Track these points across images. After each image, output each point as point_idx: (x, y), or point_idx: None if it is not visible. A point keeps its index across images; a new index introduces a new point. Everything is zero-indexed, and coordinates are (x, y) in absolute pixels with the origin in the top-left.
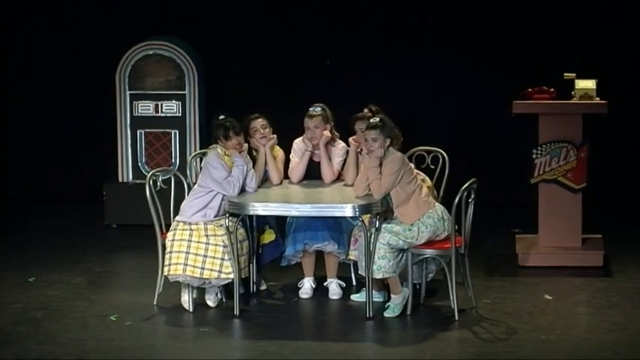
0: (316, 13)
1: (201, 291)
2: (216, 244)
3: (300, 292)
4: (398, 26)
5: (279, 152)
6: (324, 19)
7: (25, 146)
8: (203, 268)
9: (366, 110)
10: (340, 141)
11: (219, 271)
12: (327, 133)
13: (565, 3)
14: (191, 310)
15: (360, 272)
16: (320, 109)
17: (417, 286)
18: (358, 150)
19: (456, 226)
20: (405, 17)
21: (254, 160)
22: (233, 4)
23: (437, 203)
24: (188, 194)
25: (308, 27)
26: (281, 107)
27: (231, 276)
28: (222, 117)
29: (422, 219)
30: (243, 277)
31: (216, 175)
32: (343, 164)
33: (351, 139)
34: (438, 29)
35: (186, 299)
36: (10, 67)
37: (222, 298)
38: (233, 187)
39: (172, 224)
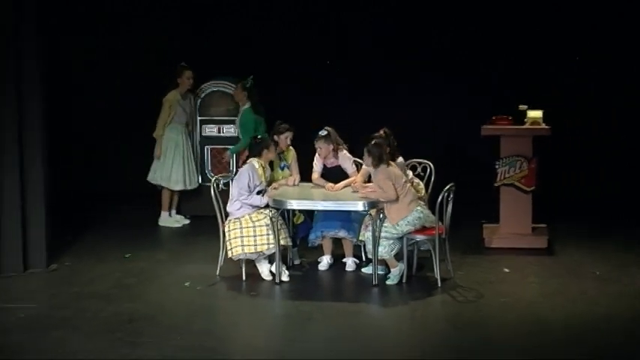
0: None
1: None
2: (260, 225)
3: (319, 265)
4: (388, 58)
5: (291, 152)
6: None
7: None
8: (255, 245)
9: (381, 132)
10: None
11: (268, 243)
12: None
13: (525, 46)
14: (270, 278)
15: (367, 254)
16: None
17: (410, 260)
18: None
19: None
20: (392, 51)
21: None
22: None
23: (417, 207)
24: (230, 199)
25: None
26: (285, 119)
27: (276, 245)
28: (259, 136)
29: (403, 219)
30: (286, 244)
31: (240, 183)
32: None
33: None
34: (435, 61)
35: (265, 271)
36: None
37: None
38: (245, 197)
39: (226, 222)
